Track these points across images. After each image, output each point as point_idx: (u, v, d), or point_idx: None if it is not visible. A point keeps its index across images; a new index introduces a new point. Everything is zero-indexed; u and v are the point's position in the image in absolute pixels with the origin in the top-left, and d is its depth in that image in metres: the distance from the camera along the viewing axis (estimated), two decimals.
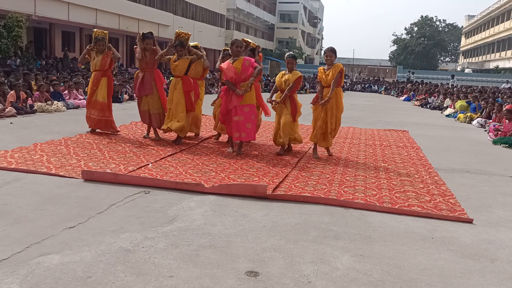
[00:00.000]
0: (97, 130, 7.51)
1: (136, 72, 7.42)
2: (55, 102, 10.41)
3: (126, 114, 10.16)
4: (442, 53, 64.90)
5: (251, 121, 6.32)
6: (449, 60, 71.28)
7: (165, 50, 7.09)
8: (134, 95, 7.69)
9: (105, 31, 7.69)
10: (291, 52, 7.27)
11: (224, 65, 6.27)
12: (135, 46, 7.37)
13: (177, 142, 6.96)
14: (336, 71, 6.29)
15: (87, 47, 7.54)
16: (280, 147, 6.63)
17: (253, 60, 6.29)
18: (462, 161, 6.89)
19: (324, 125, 6.45)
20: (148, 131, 7.39)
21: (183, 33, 7.23)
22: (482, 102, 13.50)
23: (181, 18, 34.87)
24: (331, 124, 6.45)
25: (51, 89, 11.04)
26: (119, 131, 7.59)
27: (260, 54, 7.18)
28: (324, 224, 3.75)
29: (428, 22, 61.38)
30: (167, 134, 7.37)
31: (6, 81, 11.05)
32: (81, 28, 24.52)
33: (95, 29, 7.73)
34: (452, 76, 32.52)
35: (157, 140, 7.11)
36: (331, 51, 6.32)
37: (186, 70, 6.86)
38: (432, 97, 19.34)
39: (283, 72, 6.71)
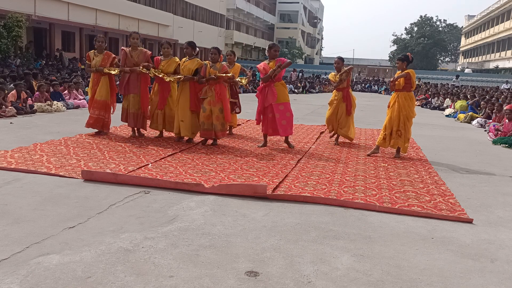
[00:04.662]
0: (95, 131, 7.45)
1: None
2: (55, 102, 10.41)
3: None
4: (442, 53, 64.87)
5: (286, 118, 6.97)
6: (449, 60, 71.22)
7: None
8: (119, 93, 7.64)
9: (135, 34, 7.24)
10: (339, 55, 8.10)
11: (260, 65, 7.02)
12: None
13: (188, 141, 7.13)
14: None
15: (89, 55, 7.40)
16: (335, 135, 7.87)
17: (283, 59, 6.97)
18: (462, 161, 6.89)
19: (389, 124, 6.78)
20: (133, 131, 7.45)
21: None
22: (482, 102, 13.50)
23: (181, 18, 34.88)
24: (395, 125, 6.69)
25: (51, 89, 11.04)
26: (107, 132, 7.46)
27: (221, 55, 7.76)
28: (324, 224, 3.75)
29: (428, 22, 61.34)
30: (166, 134, 7.44)
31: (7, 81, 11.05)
32: (81, 28, 24.52)
33: (133, 32, 7.26)
34: (457, 77, 32.48)
35: (138, 138, 7.24)
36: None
37: (193, 71, 6.88)
38: (435, 98, 19.27)
39: (333, 73, 7.84)
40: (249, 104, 14.13)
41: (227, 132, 8.05)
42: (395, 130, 6.69)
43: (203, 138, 7.01)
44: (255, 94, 7.30)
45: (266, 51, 7.16)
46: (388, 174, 5.65)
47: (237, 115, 8.37)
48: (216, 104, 6.73)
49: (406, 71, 6.62)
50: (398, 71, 6.88)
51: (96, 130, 7.39)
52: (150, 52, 7.40)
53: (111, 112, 7.47)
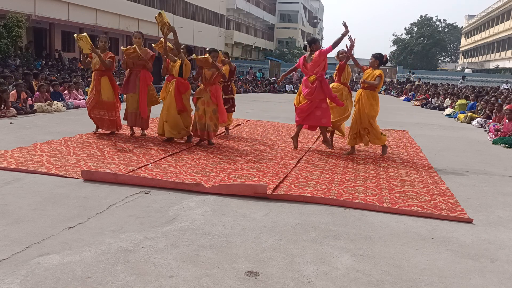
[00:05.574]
0: (99, 130, 7.45)
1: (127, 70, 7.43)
2: (55, 102, 10.41)
3: None
4: (442, 53, 64.88)
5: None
6: (449, 60, 71.20)
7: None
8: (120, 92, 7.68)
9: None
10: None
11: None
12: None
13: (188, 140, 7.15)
14: (375, 75, 6.70)
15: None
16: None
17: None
18: (462, 161, 6.89)
19: (355, 125, 6.80)
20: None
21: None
22: (482, 102, 13.50)
23: (181, 18, 34.86)
24: (360, 124, 6.75)
25: (51, 89, 11.04)
26: (118, 131, 7.52)
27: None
28: (324, 224, 3.75)
29: (428, 22, 61.33)
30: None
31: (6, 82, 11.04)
32: (81, 28, 24.48)
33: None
34: (463, 78, 32.42)
35: (138, 138, 7.26)
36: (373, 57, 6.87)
37: (179, 71, 6.89)
38: (435, 98, 19.21)
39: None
40: (248, 104, 14.14)
41: (223, 132, 8.08)
42: (362, 128, 6.75)
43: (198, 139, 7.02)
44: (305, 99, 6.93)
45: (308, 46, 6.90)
46: (388, 174, 5.65)
47: (232, 114, 8.37)
48: (210, 105, 6.76)
49: (378, 74, 6.60)
50: (369, 67, 6.89)
51: (98, 129, 7.41)
52: (153, 53, 7.41)
53: (118, 110, 7.48)
